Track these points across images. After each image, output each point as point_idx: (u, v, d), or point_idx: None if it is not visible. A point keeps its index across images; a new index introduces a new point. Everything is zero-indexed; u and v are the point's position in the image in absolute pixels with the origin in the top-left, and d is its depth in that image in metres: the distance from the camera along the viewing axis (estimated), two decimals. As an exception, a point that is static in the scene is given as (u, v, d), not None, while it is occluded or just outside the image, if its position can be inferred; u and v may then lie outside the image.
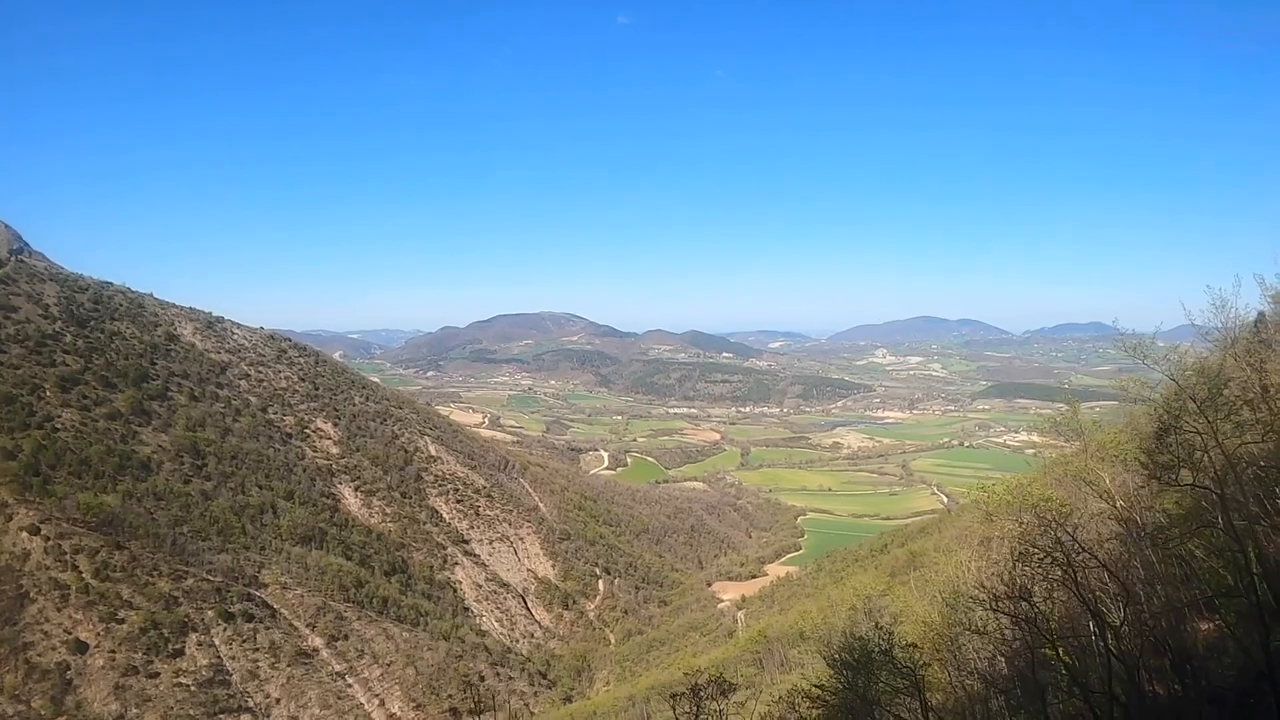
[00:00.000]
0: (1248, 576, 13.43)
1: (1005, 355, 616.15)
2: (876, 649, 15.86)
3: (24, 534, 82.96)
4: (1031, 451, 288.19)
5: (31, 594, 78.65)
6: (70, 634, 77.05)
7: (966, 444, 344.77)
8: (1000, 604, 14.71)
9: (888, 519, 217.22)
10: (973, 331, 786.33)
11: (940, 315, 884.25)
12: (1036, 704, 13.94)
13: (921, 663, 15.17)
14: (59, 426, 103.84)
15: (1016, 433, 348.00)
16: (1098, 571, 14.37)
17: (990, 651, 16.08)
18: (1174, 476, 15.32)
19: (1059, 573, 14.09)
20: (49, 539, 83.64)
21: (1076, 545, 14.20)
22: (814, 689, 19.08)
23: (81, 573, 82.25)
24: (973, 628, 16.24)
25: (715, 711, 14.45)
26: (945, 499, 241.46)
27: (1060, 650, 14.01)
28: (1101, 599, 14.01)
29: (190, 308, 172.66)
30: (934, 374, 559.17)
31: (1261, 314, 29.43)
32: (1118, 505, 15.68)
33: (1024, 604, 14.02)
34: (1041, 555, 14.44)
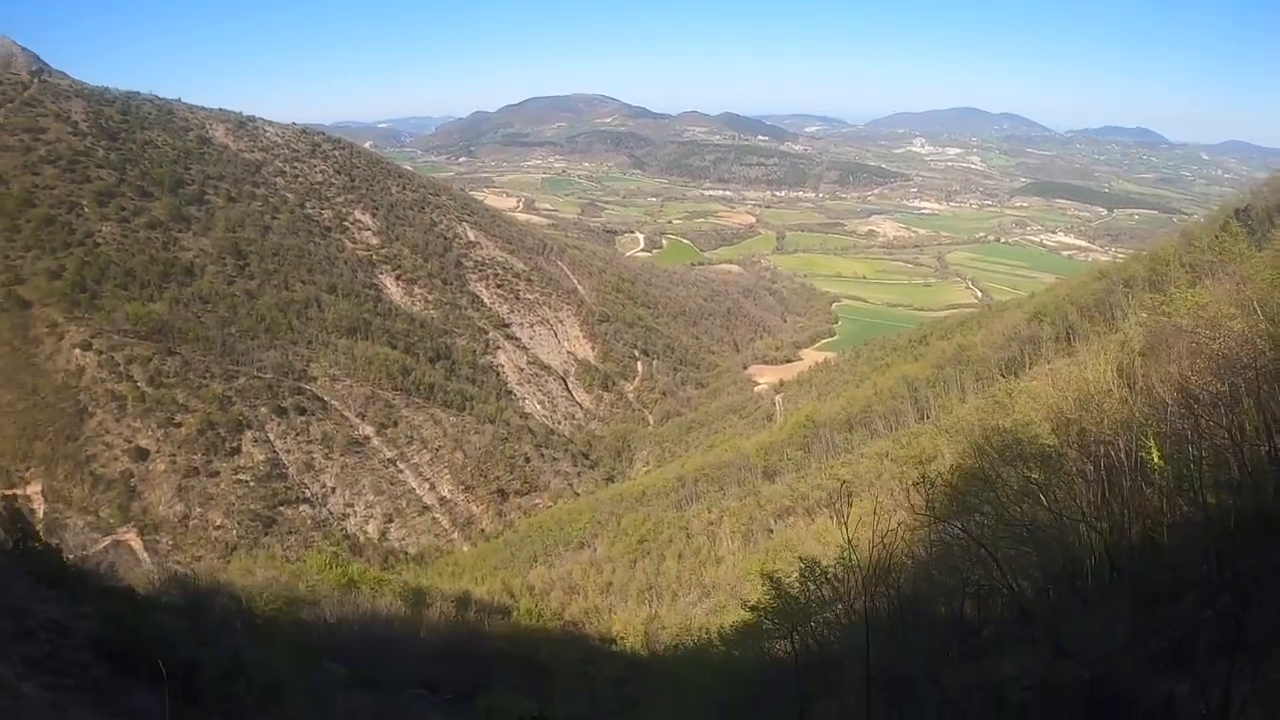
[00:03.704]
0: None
1: (1047, 153, 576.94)
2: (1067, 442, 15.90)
3: (77, 351, 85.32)
4: (1067, 254, 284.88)
5: (90, 408, 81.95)
6: (131, 442, 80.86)
7: (1002, 240, 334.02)
8: (1203, 409, 14.10)
9: (921, 310, 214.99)
10: (1014, 126, 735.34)
11: (981, 107, 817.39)
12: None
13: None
14: (100, 241, 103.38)
15: (1054, 233, 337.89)
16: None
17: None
18: None
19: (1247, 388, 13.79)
20: (101, 352, 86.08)
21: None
22: (955, 479, 19.07)
23: (136, 382, 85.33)
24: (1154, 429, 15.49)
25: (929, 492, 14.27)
26: (979, 294, 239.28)
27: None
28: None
29: (220, 109, 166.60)
30: (972, 167, 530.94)
31: None
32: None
33: (1234, 412, 13.55)
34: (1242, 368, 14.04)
